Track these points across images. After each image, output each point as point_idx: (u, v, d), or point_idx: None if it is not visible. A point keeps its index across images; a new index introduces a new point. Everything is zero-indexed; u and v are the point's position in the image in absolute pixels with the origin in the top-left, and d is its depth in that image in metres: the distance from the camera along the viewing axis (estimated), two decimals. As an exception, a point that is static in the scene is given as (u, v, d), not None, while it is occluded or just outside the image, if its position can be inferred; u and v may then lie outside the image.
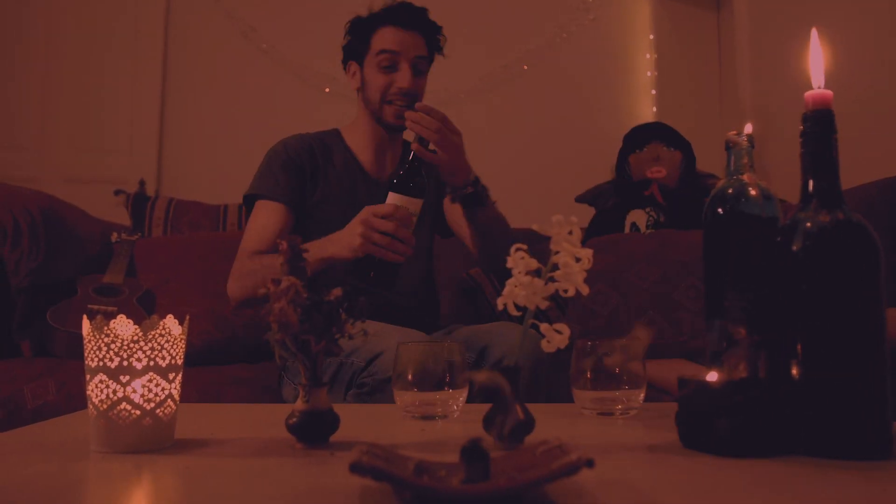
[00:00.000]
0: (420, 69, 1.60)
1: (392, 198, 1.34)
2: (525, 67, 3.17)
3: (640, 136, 2.33)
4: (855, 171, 2.01)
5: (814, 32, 0.74)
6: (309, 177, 1.62)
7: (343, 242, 1.34)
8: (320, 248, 1.36)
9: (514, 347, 0.82)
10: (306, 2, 3.22)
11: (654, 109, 3.14)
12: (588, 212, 2.48)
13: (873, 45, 2.09)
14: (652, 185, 2.22)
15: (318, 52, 3.17)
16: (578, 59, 3.20)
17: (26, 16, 3.24)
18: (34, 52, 3.23)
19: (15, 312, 1.87)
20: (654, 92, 3.15)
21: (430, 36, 1.63)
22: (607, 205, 2.40)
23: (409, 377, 0.93)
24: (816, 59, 0.74)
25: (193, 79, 3.26)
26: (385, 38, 1.58)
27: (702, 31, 3.20)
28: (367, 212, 1.31)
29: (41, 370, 1.61)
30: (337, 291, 0.75)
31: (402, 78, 1.56)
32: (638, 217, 2.18)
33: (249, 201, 1.63)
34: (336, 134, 1.72)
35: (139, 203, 2.52)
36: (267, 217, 1.56)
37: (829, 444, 0.68)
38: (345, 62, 1.69)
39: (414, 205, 1.34)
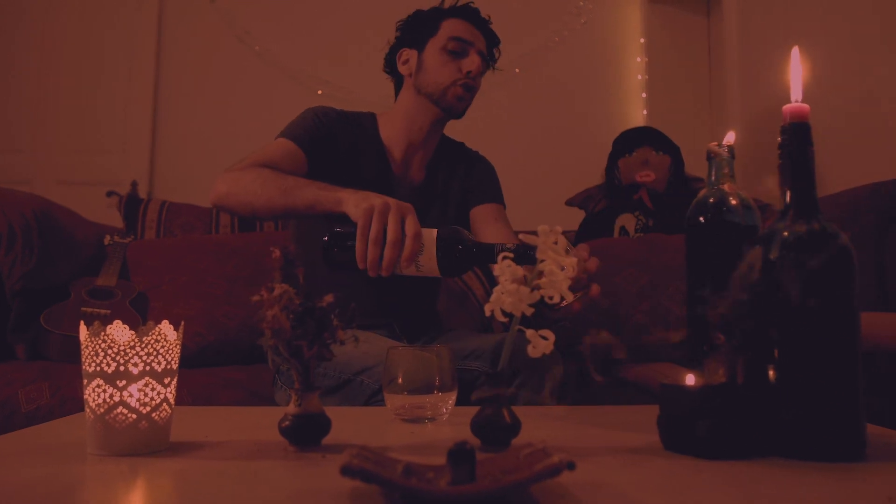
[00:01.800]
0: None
1: (430, 236, 1.09)
2: (517, 70, 3.19)
3: (630, 140, 2.36)
4: (842, 175, 2.04)
5: (795, 50, 0.76)
6: (336, 147, 1.54)
7: (359, 195, 1.16)
8: (331, 189, 1.23)
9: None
10: (300, 5, 3.24)
11: (645, 113, 3.16)
12: (578, 215, 2.50)
13: (860, 50, 2.12)
14: (641, 190, 2.25)
15: (311, 55, 3.19)
16: (570, 63, 3.22)
17: (20, 19, 3.25)
18: (28, 55, 3.24)
19: (9, 316, 1.88)
20: (644, 95, 3.18)
21: (490, 44, 1.63)
22: (597, 208, 2.42)
23: (399, 381, 0.95)
24: (796, 75, 0.76)
25: (186, 80, 3.27)
26: (457, 26, 1.57)
27: (692, 36, 3.24)
28: (406, 208, 1.11)
29: (36, 374, 1.62)
30: (329, 298, 0.77)
31: (472, 62, 1.55)
32: (627, 221, 2.21)
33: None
34: (371, 119, 1.66)
35: (132, 205, 2.53)
36: (281, 150, 1.44)
37: (804, 446, 0.70)
38: (395, 50, 1.65)
39: (429, 264, 1.09)
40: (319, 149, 1.49)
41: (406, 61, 1.62)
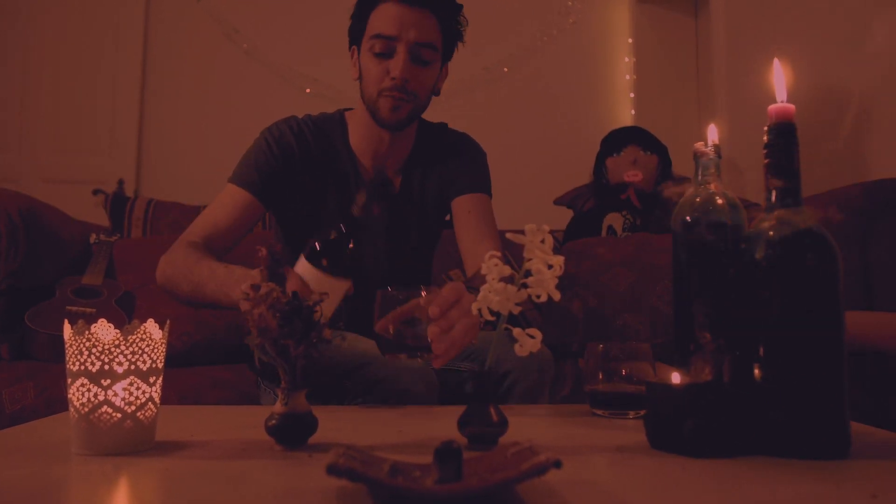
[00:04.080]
0: (423, 58, 1.36)
1: (302, 267, 1.01)
2: (506, 70, 3.20)
3: (618, 140, 2.37)
4: (827, 175, 2.05)
5: (776, 62, 0.77)
6: (298, 169, 1.42)
7: (233, 286, 1.09)
8: (227, 286, 1.14)
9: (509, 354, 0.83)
10: (289, 3, 3.23)
11: (633, 112, 3.17)
12: (566, 214, 2.51)
13: (847, 50, 2.14)
14: (628, 189, 2.26)
15: (299, 53, 3.18)
16: (558, 62, 3.23)
17: (6, 17, 3.22)
18: (14, 54, 3.21)
19: (-7, 315, 1.87)
20: (632, 95, 3.19)
21: (445, 17, 1.38)
22: (584, 207, 2.43)
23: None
24: (780, 76, 0.77)
25: (173, 78, 3.25)
26: (382, 17, 1.34)
27: (680, 36, 3.25)
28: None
29: (20, 373, 1.61)
30: (316, 297, 0.76)
31: (395, 65, 1.32)
32: (614, 220, 2.22)
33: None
34: (340, 122, 1.49)
35: (118, 203, 2.51)
36: (225, 209, 1.38)
37: (789, 445, 0.71)
38: (349, 46, 1.46)
39: (332, 286, 0.98)
40: (275, 181, 1.40)
41: (355, 62, 1.44)
